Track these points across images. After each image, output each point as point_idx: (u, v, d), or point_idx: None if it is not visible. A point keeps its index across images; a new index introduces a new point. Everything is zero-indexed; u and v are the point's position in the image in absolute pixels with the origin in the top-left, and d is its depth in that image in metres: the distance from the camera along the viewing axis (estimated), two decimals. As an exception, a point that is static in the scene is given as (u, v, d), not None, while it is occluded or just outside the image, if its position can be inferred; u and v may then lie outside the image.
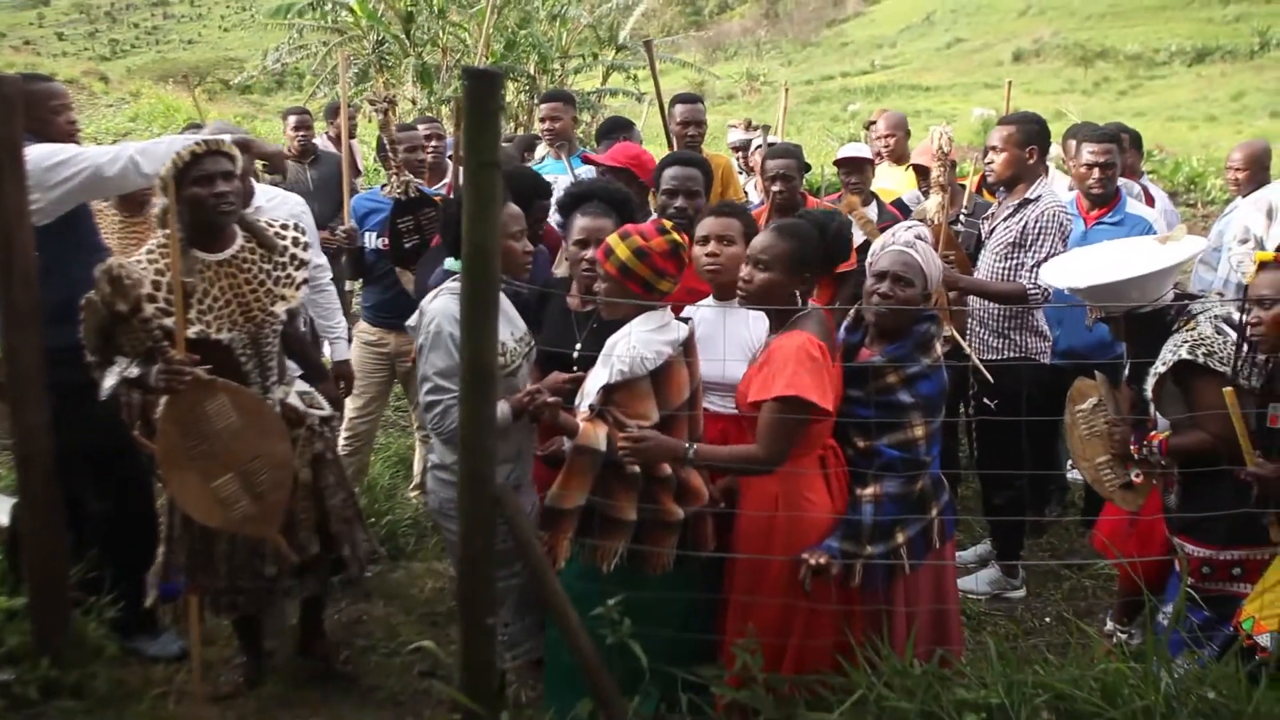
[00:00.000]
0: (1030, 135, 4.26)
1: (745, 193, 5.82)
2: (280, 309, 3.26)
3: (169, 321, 3.01)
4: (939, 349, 3.17)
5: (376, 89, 4.79)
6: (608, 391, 2.97)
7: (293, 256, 3.34)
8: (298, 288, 3.32)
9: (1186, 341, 3.16)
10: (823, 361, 2.83)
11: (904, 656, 2.78)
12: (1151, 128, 5.89)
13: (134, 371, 2.99)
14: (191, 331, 3.05)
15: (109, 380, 3.00)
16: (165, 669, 3.62)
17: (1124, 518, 3.69)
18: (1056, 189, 4.68)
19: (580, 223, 3.42)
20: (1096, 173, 4.58)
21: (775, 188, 4.54)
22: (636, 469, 2.92)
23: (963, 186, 5.06)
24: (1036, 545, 4.93)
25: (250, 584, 3.29)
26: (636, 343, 2.96)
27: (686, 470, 3.04)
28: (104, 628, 3.40)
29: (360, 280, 5.02)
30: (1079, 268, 3.57)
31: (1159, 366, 3.21)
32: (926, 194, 5.07)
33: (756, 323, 3.31)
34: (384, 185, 4.81)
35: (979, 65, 31.21)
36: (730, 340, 3.27)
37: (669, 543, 3.01)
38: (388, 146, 4.72)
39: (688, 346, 3.08)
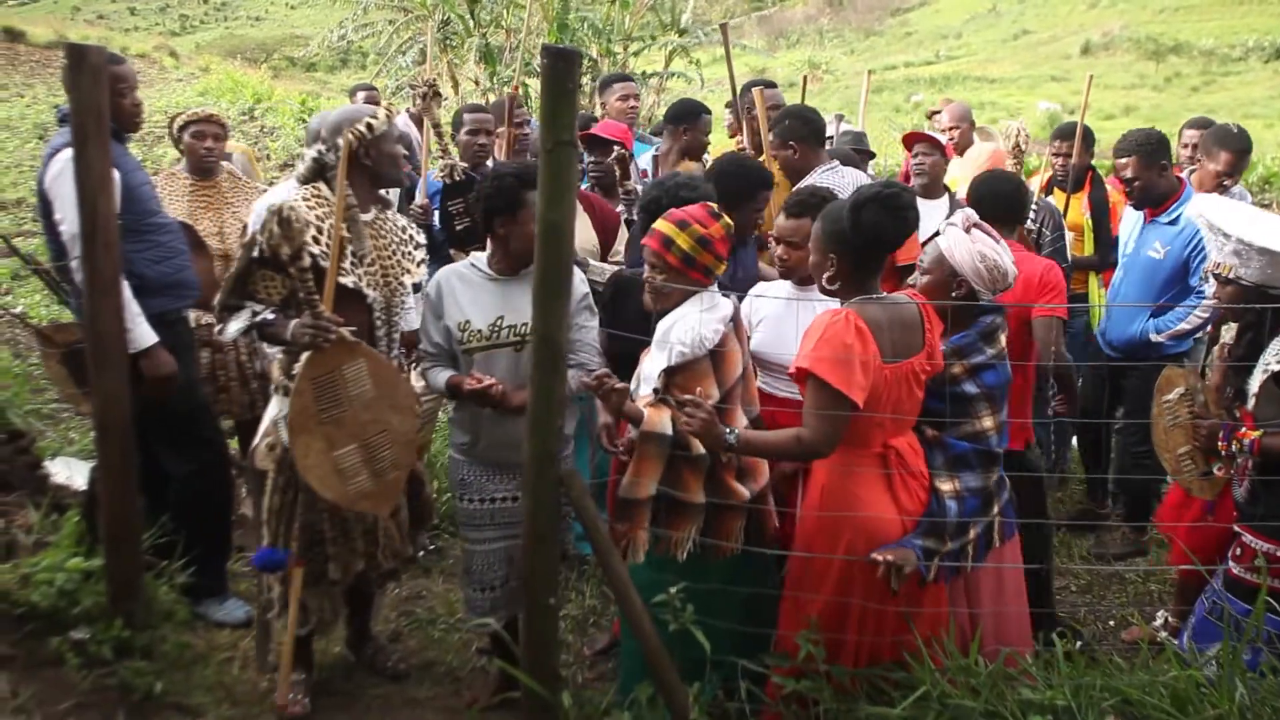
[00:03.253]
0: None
1: None
2: (408, 281, 3.37)
3: (349, 280, 3.10)
4: (1003, 340, 3.14)
5: (420, 74, 4.74)
6: (669, 374, 2.96)
7: (410, 236, 3.43)
8: (419, 265, 3.42)
9: None
10: (856, 343, 2.67)
11: (967, 655, 2.74)
12: (1227, 125, 5.77)
13: (268, 316, 3.05)
14: (349, 280, 3.12)
15: (235, 324, 3.06)
16: (230, 634, 3.71)
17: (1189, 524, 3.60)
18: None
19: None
20: (1127, 187, 4.59)
21: None
22: (703, 450, 2.91)
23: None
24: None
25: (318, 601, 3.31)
26: (695, 323, 2.95)
27: None
28: (174, 592, 3.47)
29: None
30: (1247, 220, 3.33)
31: (1272, 364, 3.09)
32: None
33: (824, 305, 3.28)
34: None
35: (1045, 58, 30.55)
36: (798, 323, 3.23)
37: (736, 526, 3.00)
38: (432, 130, 4.75)
39: (735, 321, 3.09)
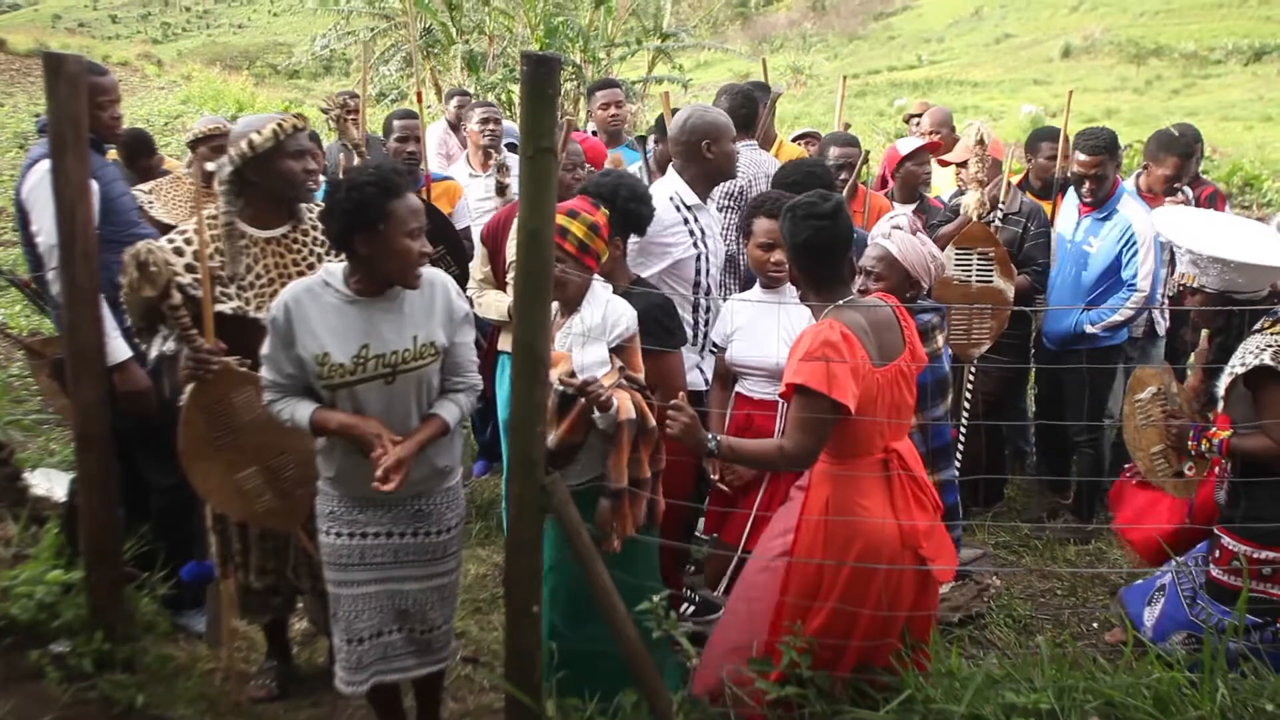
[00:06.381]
0: None
1: None
2: None
3: (227, 307, 3.01)
4: (939, 340, 3.33)
5: (331, 98, 4.66)
6: (617, 354, 3.05)
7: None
8: None
9: (1270, 347, 3.08)
10: (843, 350, 2.67)
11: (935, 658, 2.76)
12: (1205, 128, 5.72)
13: (170, 347, 2.98)
14: (228, 308, 3.02)
15: (153, 350, 3.02)
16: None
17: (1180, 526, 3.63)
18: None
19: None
20: (1088, 186, 4.77)
21: (841, 176, 4.59)
22: (653, 423, 2.99)
23: (1009, 183, 5.00)
24: (1085, 551, 4.86)
25: (281, 585, 3.29)
26: (620, 304, 3.09)
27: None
28: (156, 603, 3.45)
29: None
30: (1204, 232, 3.40)
31: (1236, 367, 3.13)
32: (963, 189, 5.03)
33: (797, 311, 3.33)
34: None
35: (1028, 61, 30.72)
36: (774, 327, 3.38)
37: (640, 508, 3.05)
38: (352, 150, 4.67)
39: None
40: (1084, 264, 4.82)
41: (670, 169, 3.94)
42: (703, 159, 3.77)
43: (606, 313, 3.02)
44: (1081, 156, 4.75)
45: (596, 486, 3.00)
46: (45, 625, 3.10)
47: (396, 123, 5.05)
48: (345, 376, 2.70)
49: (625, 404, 2.93)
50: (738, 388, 3.52)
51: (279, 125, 3.02)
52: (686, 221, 3.75)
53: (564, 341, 3.05)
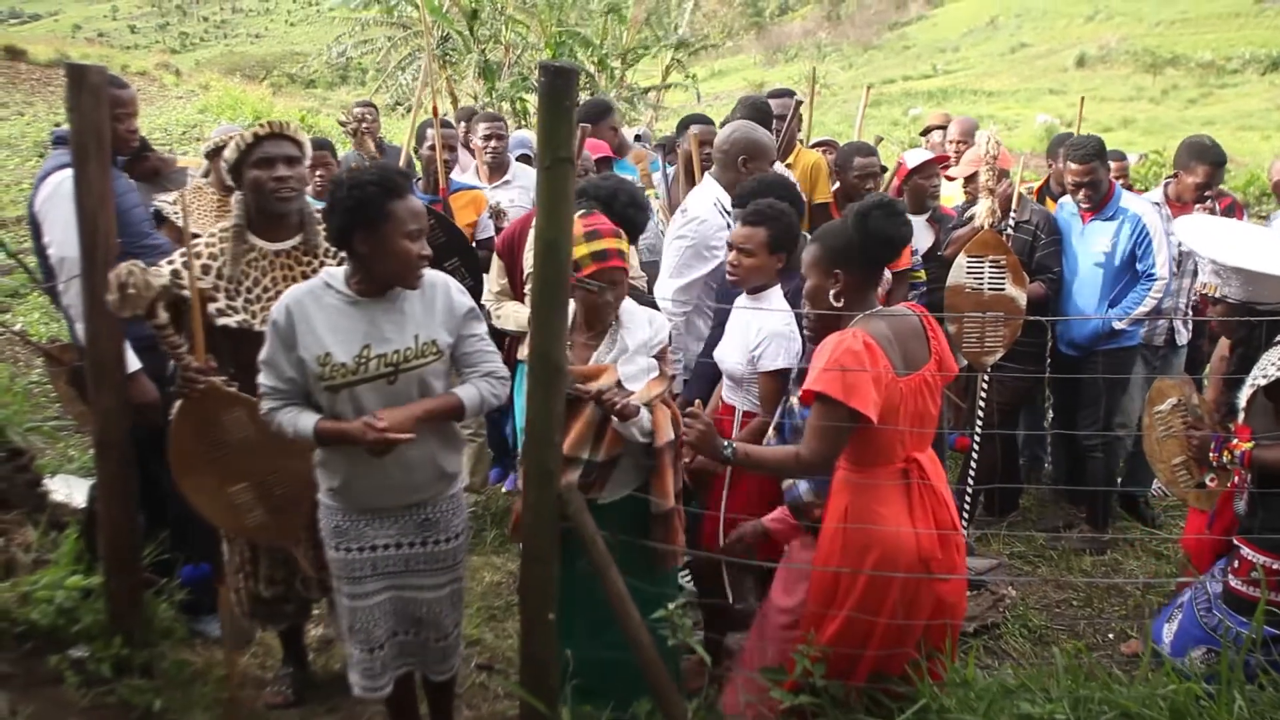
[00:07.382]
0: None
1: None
2: None
3: (232, 320, 3.01)
4: None
5: (348, 110, 4.68)
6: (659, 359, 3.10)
7: None
8: None
9: None
10: (865, 359, 2.64)
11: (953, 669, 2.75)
12: (1222, 137, 5.70)
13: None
14: (233, 321, 3.00)
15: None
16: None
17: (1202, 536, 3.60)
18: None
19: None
20: (1083, 193, 4.85)
21: (868, 186, 4.64)
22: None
23: (1019, 193, 5.00)
24: (1101, 562, 4.84)
25: (290, 594, 3.29)
26: (655, 314, 3.16)
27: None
28: (173, 609, 3.47)
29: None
30: (1227, 242, 3.37)
31: (1258, 379, 3.11)
32: (973, 200, 5.03)
33: (759, 317, 3.32)
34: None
35: (1043, 71, 30.70)
36: (737, 331, 3.39)
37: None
38: (368, 161, 4.72)
39: None
40: (1102, 267, 4.86)
41: (708, 175, 4.12)
42: (737, 171, 3.97)
43: (650, 323, 3.07)
44: (1073, 166, 4.83)
45: (629, 498, 3.01)
46: (65, 630, 3.12)
47: (430, 131, 5.07)
48: (348, 376, 2.69)
49: (664, 425, 2.92)
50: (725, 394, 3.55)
51: (241, 134, 3.05)
52: (728, 226, 3.84)
53: (606, 357, 3.05)
